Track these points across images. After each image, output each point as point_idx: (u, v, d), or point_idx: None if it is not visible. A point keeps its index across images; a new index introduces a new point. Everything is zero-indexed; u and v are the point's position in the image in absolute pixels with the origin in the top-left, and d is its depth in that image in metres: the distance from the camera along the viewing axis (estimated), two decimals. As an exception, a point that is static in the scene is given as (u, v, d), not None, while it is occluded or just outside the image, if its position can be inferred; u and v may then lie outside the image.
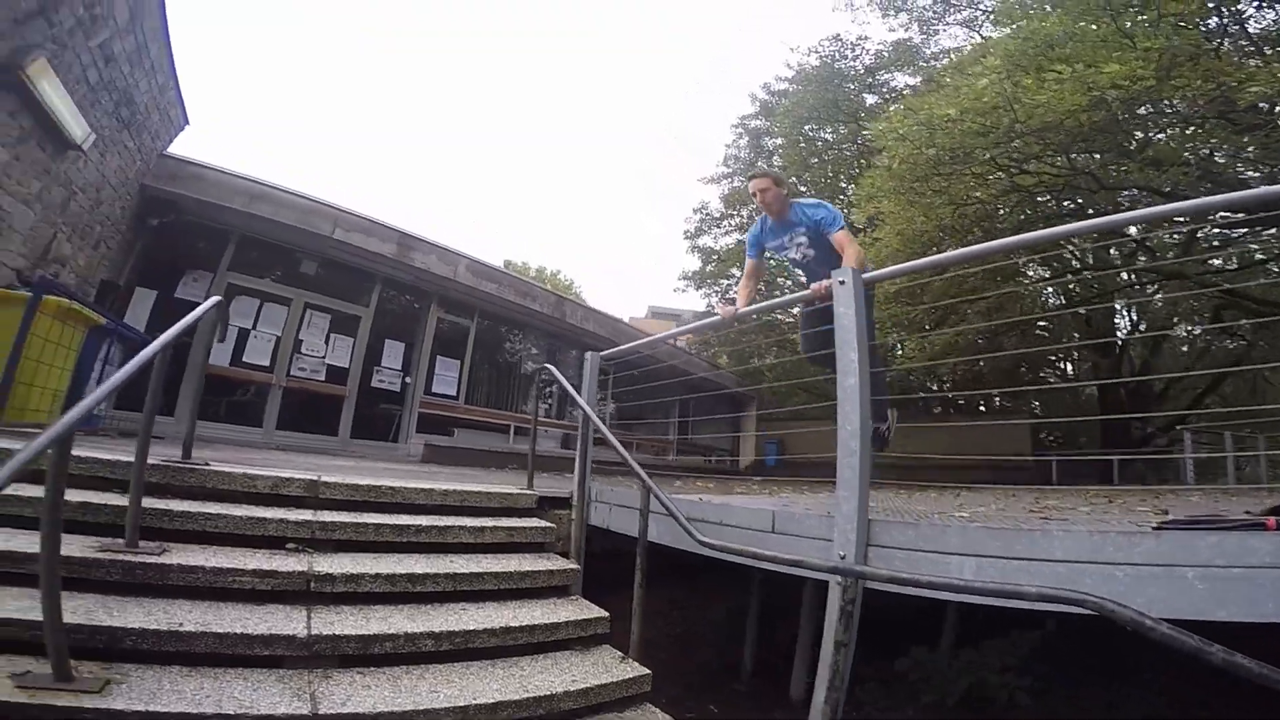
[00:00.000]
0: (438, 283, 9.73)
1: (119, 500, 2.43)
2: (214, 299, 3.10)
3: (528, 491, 3.94)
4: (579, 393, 3.99)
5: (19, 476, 1.44)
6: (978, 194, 9.61)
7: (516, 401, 11.64)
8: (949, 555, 2.00)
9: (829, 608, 2.20)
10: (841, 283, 2.32)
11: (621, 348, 4.35)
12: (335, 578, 2.51)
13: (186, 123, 7.62)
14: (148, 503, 2.43)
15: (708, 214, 21.08)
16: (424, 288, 9.93)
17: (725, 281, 20.46)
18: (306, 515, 2.84)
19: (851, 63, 17.77)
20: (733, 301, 3.98)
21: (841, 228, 3.51)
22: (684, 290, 21.72)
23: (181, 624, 1.99)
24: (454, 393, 10.21)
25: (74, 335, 4.76)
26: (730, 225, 20.72)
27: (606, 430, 3.44)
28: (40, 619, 1.64)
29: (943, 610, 4.93)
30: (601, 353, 4.32)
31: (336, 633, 2.23)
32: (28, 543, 2.16)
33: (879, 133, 9.74)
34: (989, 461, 10.68)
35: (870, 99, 17.45)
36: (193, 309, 2.93)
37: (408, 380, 9.49)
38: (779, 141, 19.23)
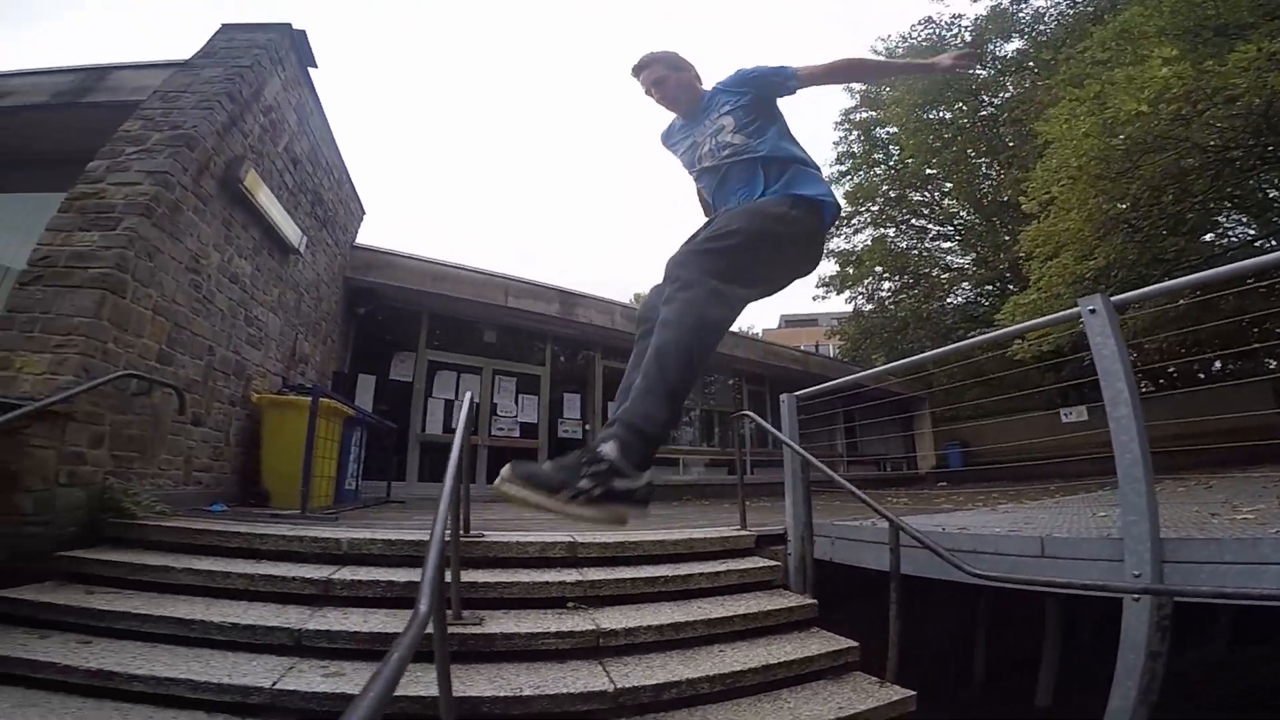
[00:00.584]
0: (599, 333, 10.37)
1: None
2: (468, 394, 3.54)
3: (744, 532, 4.13)
4: (780, 431, 4.13)
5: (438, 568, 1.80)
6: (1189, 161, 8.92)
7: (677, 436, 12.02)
8: (1264, 566, 1.96)
9: (1129, 624, 2.21)
10: (1092, 311, 2.28)
11: (819, 388, 4.43)
12: (617, 632, 2.78)
13: (364, 212, 8.64)
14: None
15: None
16: (588, 339, 10.63)
17: (869, 280, 19.95)
18: (575, 575, 3.17)
19: (953, 40, 17.44)
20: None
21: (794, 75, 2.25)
22: (824, 296, 21.30)
23: (520, 690, 2.32)
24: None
25: (335, 428, 5.62)
26: (860, 222, 20.25)
27: (836, 474, 3.54)
28: (429, 694, 2.03)
29: (1211, 610, 4.61)
30: (797, 393, 4.44)
31: (633, 684, 2.48)
32: (369, 621, 2.66)
33: (1052, 132, 9.36)
34: (1227, 430, 9.35)
35: (982, 72, 16.88)
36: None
37: (587, 428, 10.16)
38: (893, 130, 18.68)
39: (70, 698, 2.20)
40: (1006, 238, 16.18)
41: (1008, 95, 16.71)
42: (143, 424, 3.97)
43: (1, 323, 3.50)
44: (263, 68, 5.15)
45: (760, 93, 2.15)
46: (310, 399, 4.86)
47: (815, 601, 3.56)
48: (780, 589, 3.76)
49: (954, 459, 15.34)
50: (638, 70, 2.37)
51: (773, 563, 3.86)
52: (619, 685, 2.45)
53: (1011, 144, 15.77)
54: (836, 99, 27.05)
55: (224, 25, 5.40)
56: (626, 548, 3.56)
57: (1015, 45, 16.74)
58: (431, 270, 8.77)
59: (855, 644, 3.14)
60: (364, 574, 3.05)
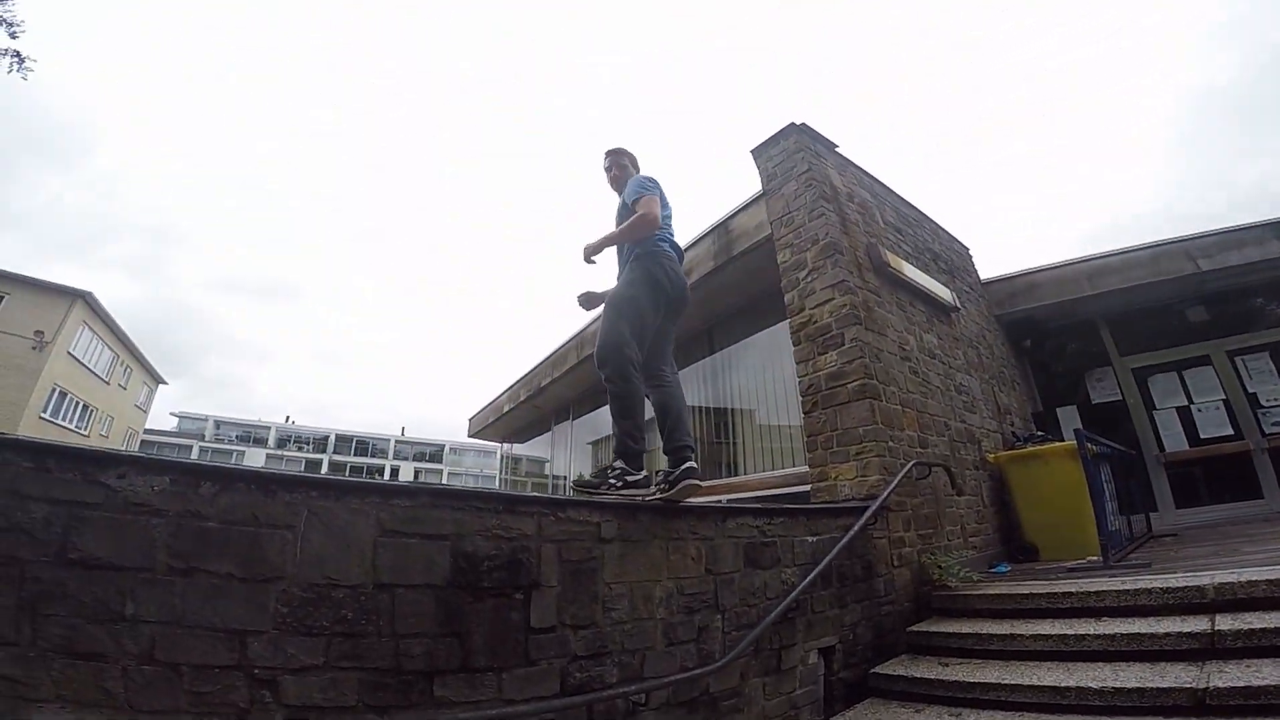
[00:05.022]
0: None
1: None
2: None
3: None
4: None
5: None
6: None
7: None
8: None
9: None
10: None
11: None
12: None
13: (968, 248, 7.87)
14: None
15: None
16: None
17: None
18: None
19: None
20: None
21: (637, 200, 3.10)
22: None
23: None
24: None
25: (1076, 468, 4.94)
26: None
27: None
28: None
29: None
30: None
31: None
32: None
33: None
34: None
35: None
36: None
37: None
38: None
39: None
40: None
41: None
42: (927, 503, 4.18)
43: (809, 444, 4.27)
44: (815, 167, 5.24)
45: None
46: (1045, 444, 4.36)
47: None
48: None
49: None
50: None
51: None
52: None
53: None
54: None
55: (751, 151, 5.74)
56: None
57: None
58: (1082, 271, 7.36)
59: None
60: (1255, 621, 2.37)
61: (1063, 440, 5.27)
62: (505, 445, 16.99)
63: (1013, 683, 2.61)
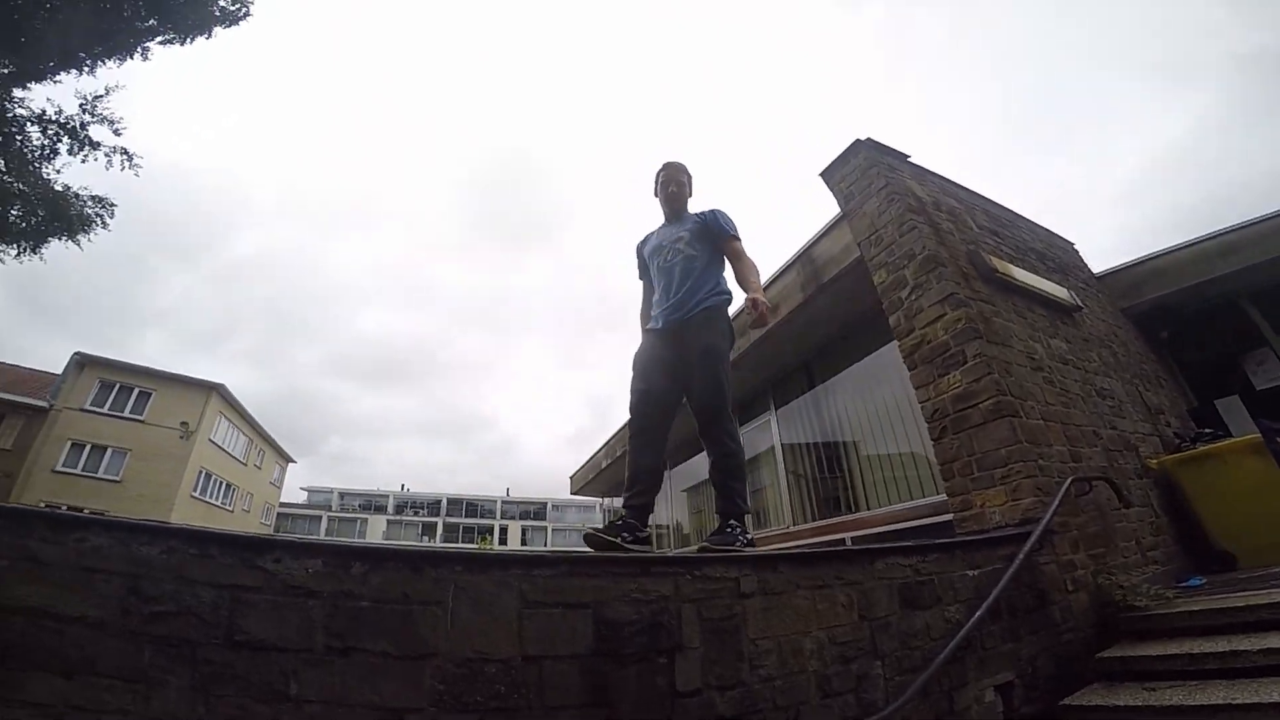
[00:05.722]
0: None
1: None
2: None
3: None
4: None
5: None
6: None
7: None
8: None
9: None
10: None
11: None
12: None
13: (1071, 242, 7.27)
14: None
15: None
16: None
17: None
18: None
19: None
20: None
21: (738, 237, 3.08)
22: None
23: None
24: None
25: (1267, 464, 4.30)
26: None
27: None
28: None
29: None
30: None
31: None
32: None
33: None
34: None
35: None
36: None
37: None
38: None
39: None
40: None
41: None
42: (1093, 521, 3.70)
43: (944, 472, 3.92)
44: (893, 180, 4.99)
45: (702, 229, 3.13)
46: (1217, 441, 3.80)
47: None
48: None
49: None
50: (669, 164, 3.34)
51: None
52: None
53: None
54: None
55: (821, 174, 5.59)
56: None
57: None
58: (1210, 249, 6.52)
59: None
60: None
61: (1236, 435, 4.62)
62: (605, 500, 17.00)
63: (1247, 702, 2.22)
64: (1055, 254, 6.53)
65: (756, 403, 8.39)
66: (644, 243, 3.36)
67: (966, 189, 6.14)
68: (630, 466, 2.76)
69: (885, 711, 2.18)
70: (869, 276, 4.98)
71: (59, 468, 22.77)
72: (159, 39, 12.22)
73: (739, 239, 3.07)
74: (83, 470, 23.03)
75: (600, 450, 14.20)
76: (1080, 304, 5.62)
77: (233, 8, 12.54)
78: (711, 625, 2.05)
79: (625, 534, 2.55)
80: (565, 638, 1.82)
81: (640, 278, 3.39)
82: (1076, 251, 7.25)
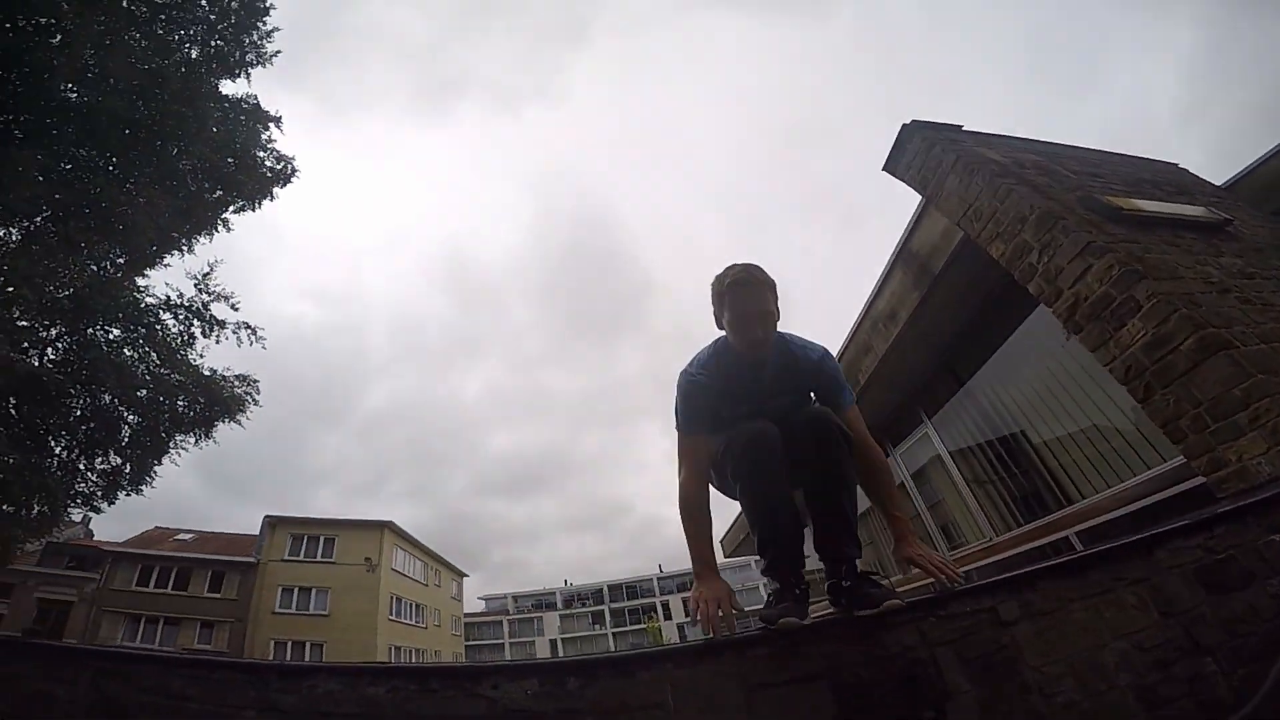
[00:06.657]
0: None
1: None
2: None
3: None
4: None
5: None
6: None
7: None
8: None
9: None
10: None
11: None
12: None
13: (1174, 163, 6.51)
14: None
15: None
16: None
17: None
18: None
19: None
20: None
21: (854, 404, 2.34)
22: None
23: None
24: None
25: None
26: None
27: None
28: None
29: None
30: None
31: None
32: None
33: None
34: None
35: None
36: None
37: None
38: None
39: None
40: None
41: None
42: None
43: (1171, 434, 3.35)
44: (963, 153, 4.73)
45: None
46: None
47: None
48: None
49: None
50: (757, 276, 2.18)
51: None
52: None
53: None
54: None
55: (884, 168, 5.40)
56: None
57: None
58: None
59: None
60: None
61: None
62: (756, 558, 16.38)
63: None
64: (1167, 178, 5.80)
65: (905, 418, 7.83)
66: (694, 380, 2.33)
67: (1041, 139, 5.72)
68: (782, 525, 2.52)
69: (1254, 701, 1.78)
70: (982, 254, 4.60)
71: (277, 609, 26.81)
72: (231, 209, 13.15)
73: (856, 411, 2.33)
74: (296, 609, 27.39)
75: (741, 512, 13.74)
76: (1227, 215, 4.86)
77: (278, 166, 13.38)
78: (979, 663, 1.80)
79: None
80: (805, 714, 1.65)
81: (690, 431, 2.33)
82: (1186, 170, 6.35)
